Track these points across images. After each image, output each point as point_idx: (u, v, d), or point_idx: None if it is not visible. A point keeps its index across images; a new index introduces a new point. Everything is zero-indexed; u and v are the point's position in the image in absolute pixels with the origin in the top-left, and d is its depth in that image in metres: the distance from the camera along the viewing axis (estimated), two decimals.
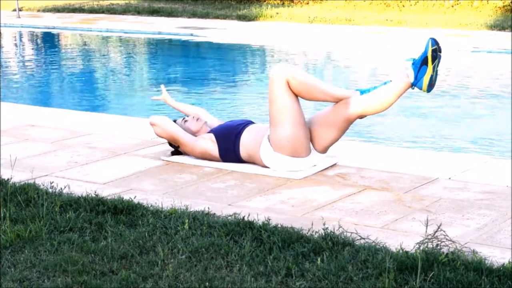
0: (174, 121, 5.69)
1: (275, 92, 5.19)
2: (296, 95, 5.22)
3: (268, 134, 5.30)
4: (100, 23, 17.00)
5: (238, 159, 5.43)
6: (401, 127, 8.29)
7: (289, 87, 5.18)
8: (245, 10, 18.07)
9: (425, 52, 5.02)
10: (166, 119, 5.53)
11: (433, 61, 5.01)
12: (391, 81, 5.26)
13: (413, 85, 5.08)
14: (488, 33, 14.45)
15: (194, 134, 5.62)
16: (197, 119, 5.67)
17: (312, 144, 5.34)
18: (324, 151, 5.38)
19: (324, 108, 5.50)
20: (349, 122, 5.27)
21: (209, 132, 5.57)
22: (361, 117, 5.30)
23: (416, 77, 5.05)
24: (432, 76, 5.02)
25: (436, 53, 5.01)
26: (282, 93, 5.18)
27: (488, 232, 4.19)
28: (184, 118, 5.72)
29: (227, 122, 5.67)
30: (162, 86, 6.03)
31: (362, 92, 5.28)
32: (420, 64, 5.03)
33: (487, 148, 7.37)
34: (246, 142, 5.39)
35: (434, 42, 5.02)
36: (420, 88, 5.07)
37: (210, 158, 5.49)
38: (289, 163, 5.28)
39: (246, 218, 4.25)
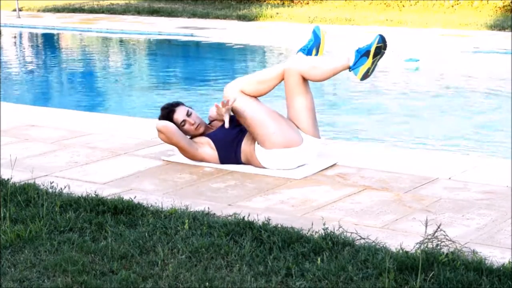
0: (173, 111, 5.54)
1: (237, 105, 5.31)
2: (256, 97, 5.40)
3: (256, 142, 5.36)
4: (100, 23, 17.00)
5: (238, 163, 5.44)
6: (401, 127, 8.29)
7: (246, 94, 5.36)
8: (245, 10, 18.07)
9: (370, 46, 5.30)
10: (171, 127, 5.41)
11: (374, 56, 5.29)
12: (318, 27, 5.59)
13: (350, 69, 5.33)
14: (488, 33, 14.45)
15: (189, 135, 5.57)
16: (197, 126, 5.53)
17: (300, 129, 5.38)
18: (313, 131, 5.40)
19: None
20: (300, 82, 5.37)
21: (206, 136, 5.52)
22: (304, 77, 5.40)
23: (354, 64, 5.30)
24: (369, 68, 5.31)
25: (380, 50, 5.30)
26: (243, 102, 5.32)
27: (488, 232, 4.19)
28: (184, 120, 5.50)
29: (225, 126, 5.56)
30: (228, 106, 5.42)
31: (302, 50, 5.55)
32: (363, 54, 5.29)
33: (487, 148, 7.37)
34: (245, 149, 5.41)
35: (381, 40, 5.31)
36: (355, 75, 5.33)
37: (210, 162, 5.49)
38: (285, 156, 5.29)
39: (246, 218, 4.25)
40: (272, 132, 5.28)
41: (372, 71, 5.32)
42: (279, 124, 5.31)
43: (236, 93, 5.35)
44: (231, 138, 5.44)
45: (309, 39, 5.59)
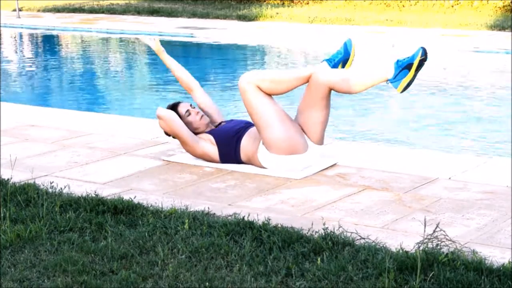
0: (177, 104, 5.60)
1: (250, 100, 5.23)
2: (271, 95, 5.27)
3: (261, 142, 5.32)
4: (100, 23, 17.00)
5: (238, 162, 5.43)
6: (401, 127, 8.29)
7: (261, 90, 5.23)
8: (245, 10, 18.07)
9: (413, 58, 5.08)
10: (173, 115, 5.43)
11: (416, 69, 5.09)
12: (351, 40, 5.37)
13: (389, 82, 5.14)
14: (488, 33, 14.45)
15: (193, 129, 5.57)
16: (201, 116, 5.57)
17: (308, 137, 5.33)
18: (320, 140, 5.36)
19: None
20: (325, 96, 5.22)
21: (208, 133, 5.54)
22: (334, 90, 5.25)
23: (395, 77, 5.11)
24: (410, 81, 5.11)
25: (422, 63, 5.09)
26: (256, 99, 5.22)
27: (488, 232, 4.19)
28: (188, 109, 5.56)
29: (226, 124, 5.61)
30: (156, 38, 5.98)
31: (328, 60, 5.34)
32: (404, 67, 5.09)
33: (487, 148, 7.37)
34: (246, 146, 5.39)
35: (424, 52, 5.08)
36: (395, 88, 5.13)
37: (210, 160, 5.48)
38: (288, 162, 5.28)
39: (246, 218, 4.25)
40: (279, 137, 5.21)
41: (412, 83, 5.11)
42: (287, 130, 5.22)
43: (252, 87, 5.22)
44: (231, 134, 5.43)
45: (338, 51, 5.38)
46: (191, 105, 5.62)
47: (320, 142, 5.37)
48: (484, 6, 17.45)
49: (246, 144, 5.39)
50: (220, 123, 5.70)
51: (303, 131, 5.33)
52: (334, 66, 5.34)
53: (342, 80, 5.14)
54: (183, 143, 5.50)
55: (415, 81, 5.21)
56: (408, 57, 5.10)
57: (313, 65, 5.48)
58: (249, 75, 5.29)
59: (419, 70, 5.10)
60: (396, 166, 5.46)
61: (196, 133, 5.58)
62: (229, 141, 5.42)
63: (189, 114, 5.57)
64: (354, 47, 5.38)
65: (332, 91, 5.22)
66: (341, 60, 5.36)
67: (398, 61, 5.12)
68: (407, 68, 5.08)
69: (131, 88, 11.15)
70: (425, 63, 5.11)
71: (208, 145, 5.47)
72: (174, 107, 5.62)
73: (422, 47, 5.10)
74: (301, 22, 16.27)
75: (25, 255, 3.86)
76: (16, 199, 4.58)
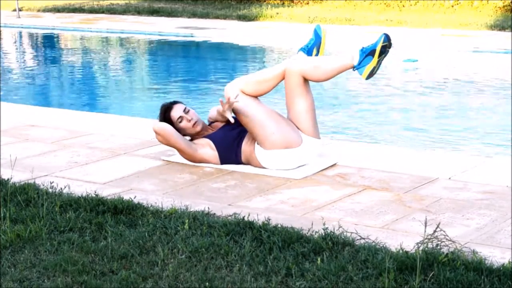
0: (171, 107, 5.52)
1: (237, 105, 5.32)
2: (256, 97, 5.40)
3: (256, 142, 5.36)
4: (100, 23, 17.01)
5: (238, 163, 5.44)
6: (401, 127, 8.30)
7: (246, 94, 5.36)
8: (245, 10, 18.08)
9: (375, 45, 5.26)
10: (168, 129, 5.37)
11: (379, 55, 5.25)
12: (319, 26, 5.60)
13: (355, 68, 5.30)
14: (488, 33, 14.46)
15: (186, 135, 5.54)
16: (194, 124, 5.49)
17: (300, 130, 5.38)
18: (313, 132, 5.39)
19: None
20: (301, 83, 5.36)
21: (206, 137, 5.50)
22: (306, 78, 5.40)
23: (359, 63, 5.27)
24: (374, 68, 5.27)
25: (385, 49, 5.26)
26: (244, 103, 5.32)
27: (488, 232, 4.19)
28: (181, 116, 5.49)
29: (225, 126, 5.55)
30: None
31: (303, 49, 5.54)
32: (368, 54, 5.25)
33: (487, 148, 7.38)
34: (245, 149, 5.41)
35: (386, 38, 5.26)
36: (360, 74, 5.30)
37: (209, 163, 5.48)
38: (284, 157, 5.28)
39: (246, 218, 4.25)
40: (271, 132, 5.27)
41: (377, 69, 5.28)
42: (278, 125, 5.30)
43: (237, 92, 5.35)
44: (232, 139, 5.43)
45: (310, 38, 5.57)
46: (185, 109, 5.52)
47: (314, 134, 5.39)
48: (484, 6, 17.45)
49: (245, 146, 5.40)
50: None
51: (296, 126, 5.39)
52: (309, 52, 5.53)
53: (314, 68, 5.34)
54: (181, 152, 5.48)
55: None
56: (372, 44, 5.27)
57: (287, 59, 5.61)
58: (232, 82, 5.45)
59: (383, 56, 5.27)
60: (396, 166, 5.46)
61: (192, 139, 5.56)
62: (230, 145, 5.42)
63: (181, 121, 5.51)
64: (324, 32, 5.56)
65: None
66: (314, 45, 5.54)
67: (362, 48, 5.28)
68: (371, 55, 5.25)
69: (131, 88, 11.15)
70: (389, 50, 5.28)
71: (207, 150, 5.44)
72: (168, 109, 5.54)
73: (385, 34, 5.29)
74: (301, 22, 16.27)
75: (25, 255, 3.86)
76: (16, 199, 4.58)
